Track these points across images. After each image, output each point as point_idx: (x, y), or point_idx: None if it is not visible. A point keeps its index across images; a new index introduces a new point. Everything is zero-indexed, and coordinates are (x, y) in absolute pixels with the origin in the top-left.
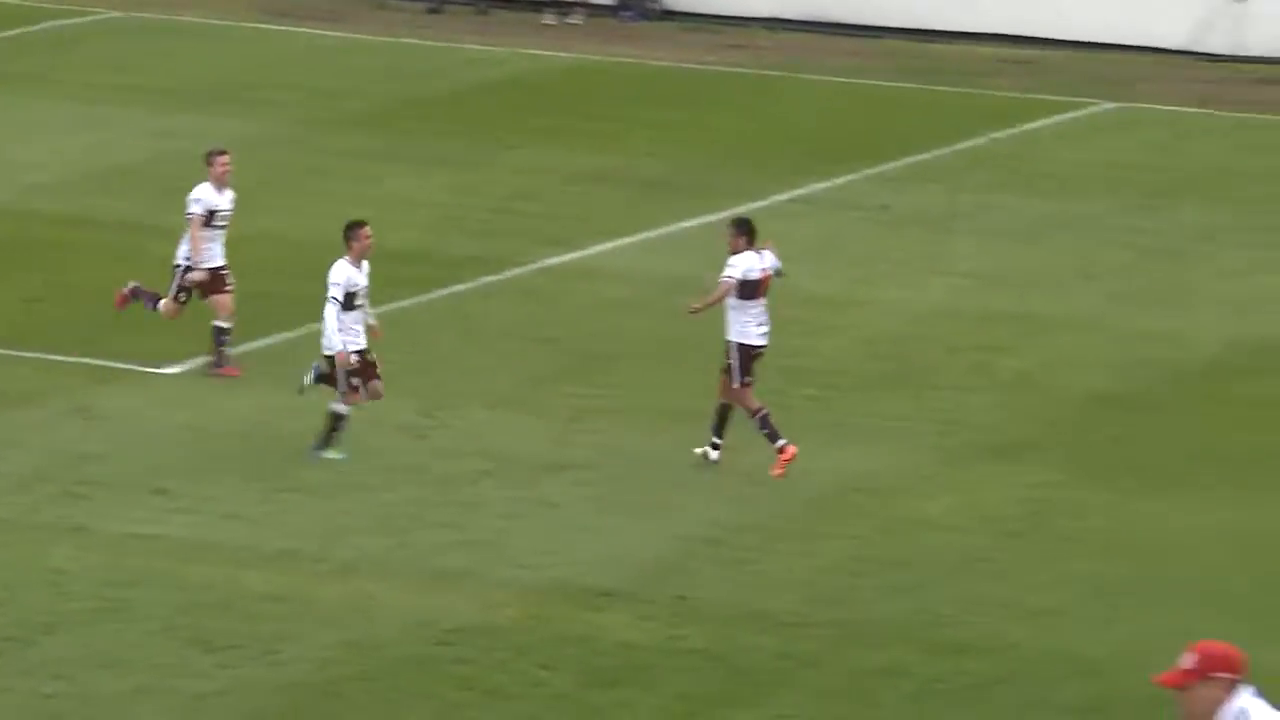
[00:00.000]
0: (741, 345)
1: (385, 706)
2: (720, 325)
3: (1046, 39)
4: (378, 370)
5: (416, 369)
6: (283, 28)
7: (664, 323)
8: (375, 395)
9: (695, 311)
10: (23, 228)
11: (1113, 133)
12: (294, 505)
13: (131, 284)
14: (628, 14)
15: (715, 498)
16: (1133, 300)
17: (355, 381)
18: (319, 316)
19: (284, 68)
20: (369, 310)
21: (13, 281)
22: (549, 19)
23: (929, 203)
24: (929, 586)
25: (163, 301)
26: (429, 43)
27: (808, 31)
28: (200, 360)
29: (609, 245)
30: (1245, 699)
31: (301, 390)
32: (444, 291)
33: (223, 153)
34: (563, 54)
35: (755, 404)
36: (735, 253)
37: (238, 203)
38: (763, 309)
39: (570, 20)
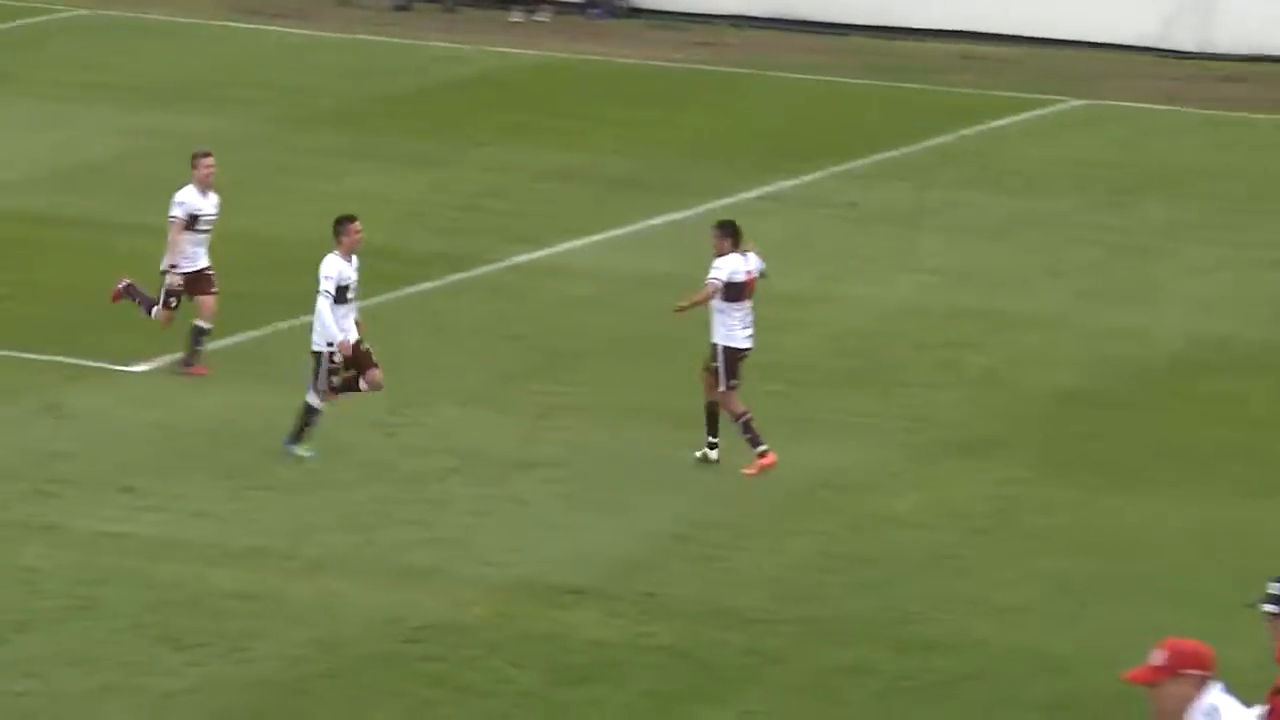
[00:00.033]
0: (727, 348)
1: (353, 704)
2: (690, 325)
3: (1012, 36)
4: (374, 359)
5: (385, 366)
6: (250, 25)
7: (630, 320)
8: (375, 384)
9: (681, 310)
10: None
11: (1079, 130)
12: (262, 503)
13: (126, 280)
14: (595, 11)
15: (683, 495)
16: (1099, 297)
17: (335, 380)
18: (287, 315)
19: (252, 66)
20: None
21: None
22: (516, 16)
23: (896, 200)
24: (897, 583)
25: (155, 309)
26: (396, 40)
27: (774, 29)
28: (169, 358)
29: (576, 243)
30: (1215, 695)
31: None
32: (412, 289)
33: (207, 155)
34: (530, 51)
35: (740, 408)
36: (720, 254)
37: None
38: (748, 311)
39: (537, 18)
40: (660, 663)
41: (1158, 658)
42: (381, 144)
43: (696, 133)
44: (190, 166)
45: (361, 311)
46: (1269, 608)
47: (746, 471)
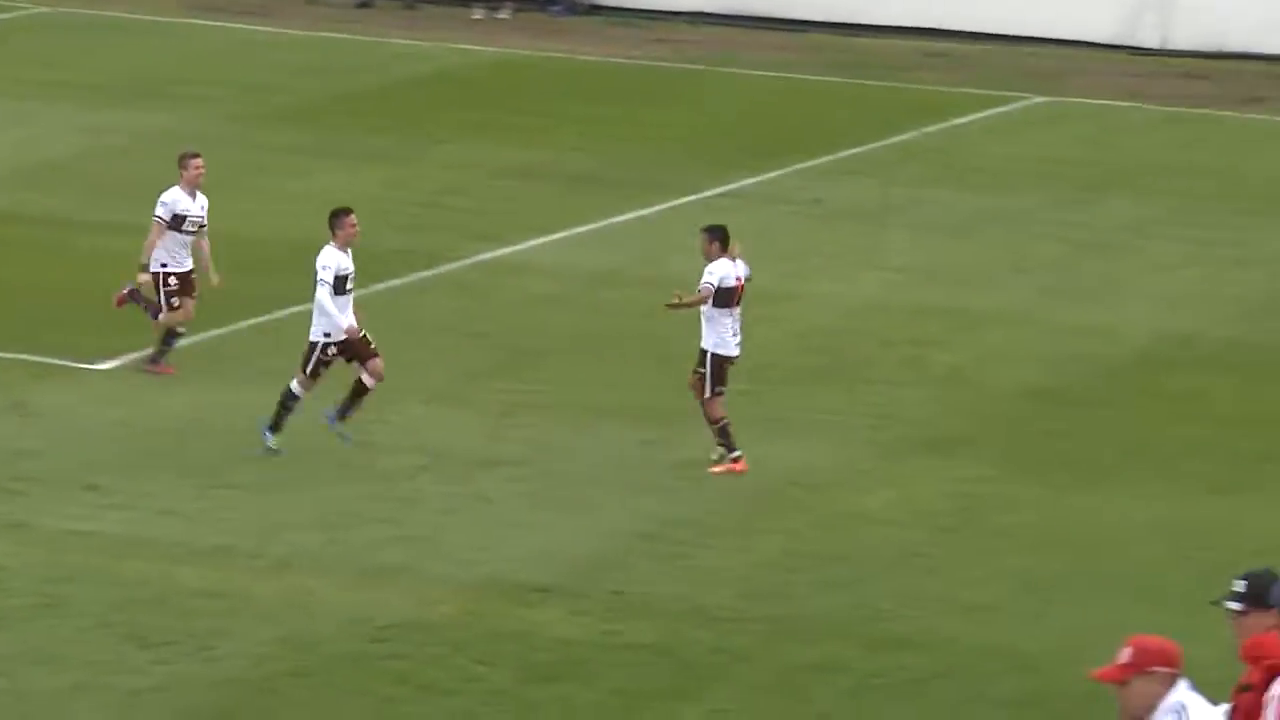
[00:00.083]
0: (716, 355)
1: (321, 703)
2: (654, 322)
3: (974, 33)
4: (373, 349)
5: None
6: (211, 23)
7: (593, 318)
8: (376, 374)
9: (671, 308)
10: None
11: (1043, 127)
12: (229, 501)
13: (128, 285)
14: (556, 8)
15: (650, 493)
16: (1064, 294)
17: (321, 370)
18: (253, 313)
19: (212, 63)
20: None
21: None
22: (477, 14)
23: (860, 197)
24: (865, 581)
25: (162, 314)
26: (358, 37)
27: (735, 26)
28: (135, 356)
29: (538, 241)
30: (1182, 692)
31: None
32: (378, 287)
33: (195, 155)
34: (491, 48)
35: (720, 413)
36: (709, 259)
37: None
38: (737, 317)
39: (498, 15)
40: (628, 661)
41: (1125, 655)
42: (343, 141)
43: (658, 130)
44: (179, 167)
45: None
46: (1233, 605)
47: (714, 470)
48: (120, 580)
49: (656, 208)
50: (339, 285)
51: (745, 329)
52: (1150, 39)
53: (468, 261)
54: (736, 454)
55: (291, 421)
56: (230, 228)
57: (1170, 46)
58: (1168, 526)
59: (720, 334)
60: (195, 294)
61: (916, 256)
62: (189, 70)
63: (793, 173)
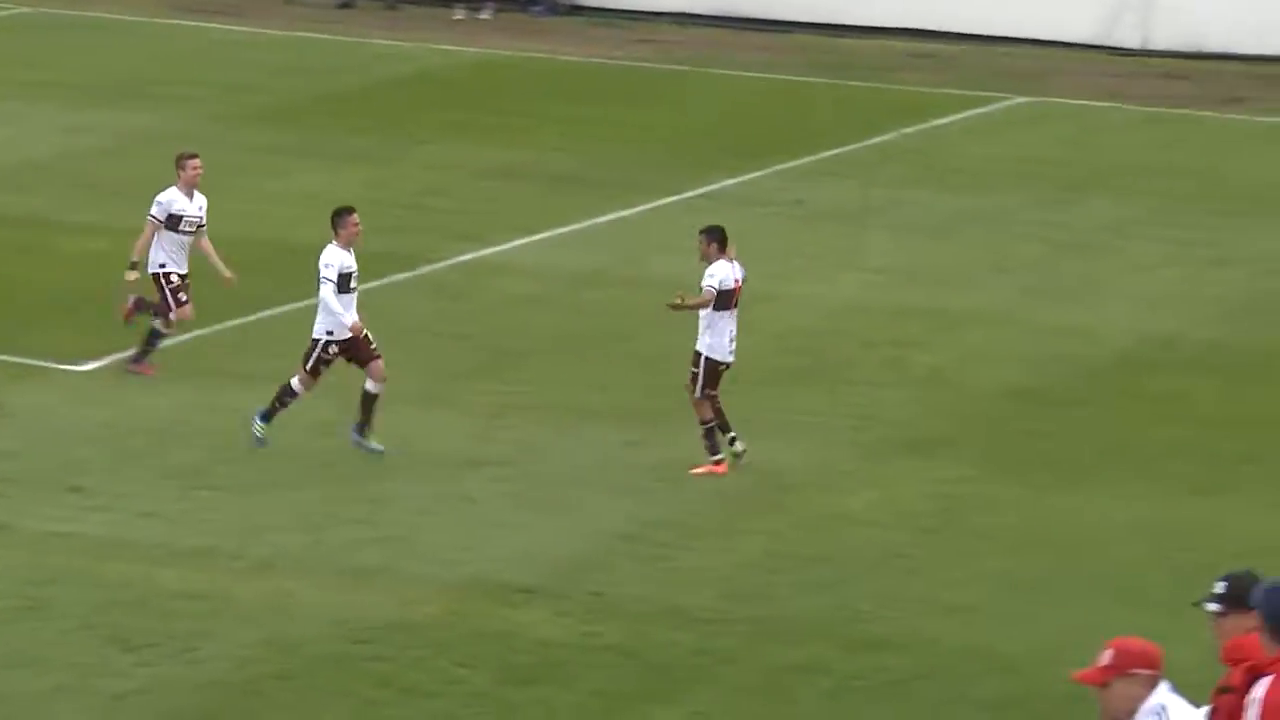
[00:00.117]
0: (709, 359)
1: (304, 704)
2: (636, 322)
3: (955, 34)
4: (374, 351)
5: (332, 366)
6: (192, 23)
7: (575, 319)
8: (378, 377)
9: (674, 308)
10: None
11: (1023, 127)
12: (210, 503)
13: (131, 298)
14: (537, 9)
15: (631, 494)
16: (1045, 295)
17: (321, 368)
18: (235, 314)
19: (194, 63)
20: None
21: None
22: (459, 14)
23: (841, 198)
24: (846, 583)
25: (172, 313)
26: (338, 38)
27: (716, 26)
28: (116, 358)
29: (520, 241)
30: (1163, 694)
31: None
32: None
33: (193, 156)
34: (472, 49)
35: (708, 415)
36: (707, 260)
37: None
38: (734, 320)
39: (480, 15)
40: (609, 662)
41: (1106, 657)
42: (324, 142)
43: (640, 130)
44: (176, 168)
45: (306, 312)
46: (1212, 606)
47: (694, 471)
48: (102, 582)
49: (638, 208)
50: (343, 283)
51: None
52: (1130, 39)
53: (449, 262)
54: (719, 457)
55: (277, 422)
56: (212, 228)
57: (1150, 47)
58: (1149, 527)
59: (717, 337)
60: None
61: (897, 257)
62: (169, 70)
63: (774, 173)
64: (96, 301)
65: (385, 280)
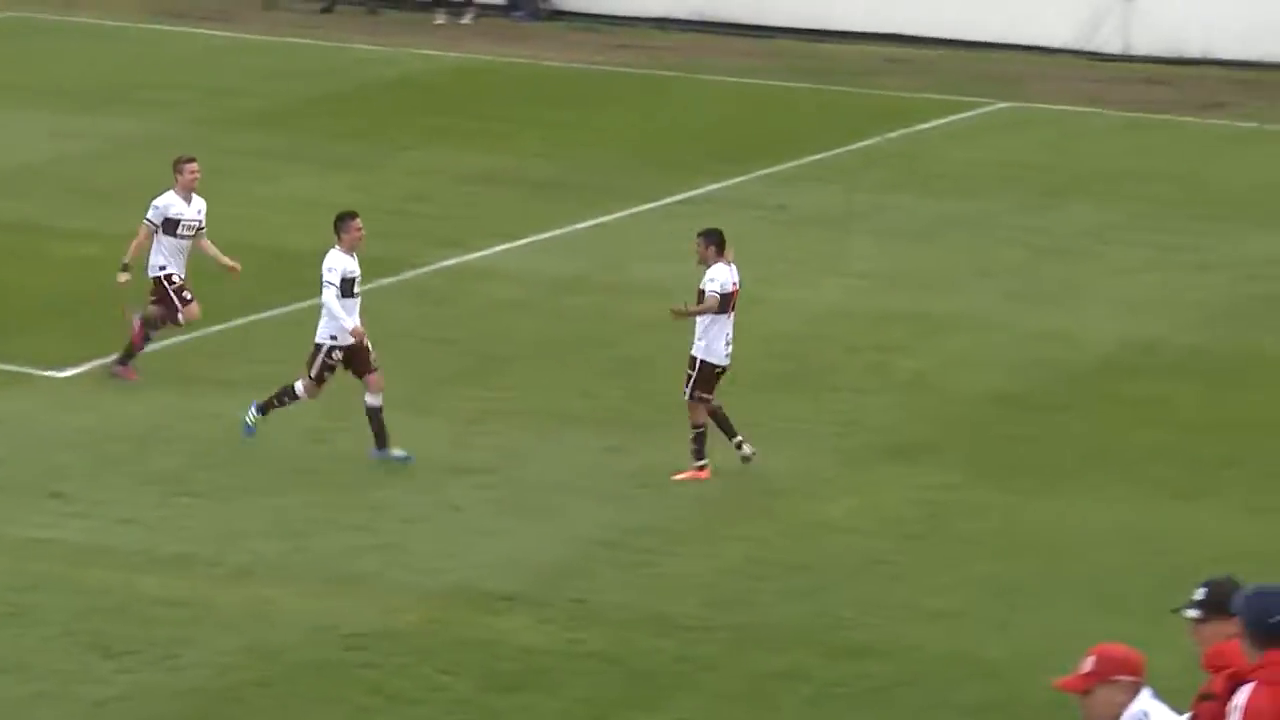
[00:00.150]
0: (705, 362)
1: (285, 712)
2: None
3: (937, 39)
4: (373, 362)
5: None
6: (175, 28)
7: (558, 324)
8: (376, 389)
9: (677, 315)
10: None
11: (1005, 132)
12: (191, 509)
13: (135, 317)
14: (518, 14)
15: (614, 500)
16: (1027, 299)
17: (326, 375)
18: (218, 319)
19: (178, 68)
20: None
21: None
22: (440, 19)
23: (825, 202)
24: (829, 589)
25: (179, 314)
26: (320, 43)
27: (697, 31)
28: (97, 363)
29: (502, 246)
30: (1145, 701)
31: (251, 431)
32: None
33: (191, 160)
34: (453, 54)
35: (700, 419)
36: (704, 263)
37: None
38: (730, 324)
39: (461, 20)
40: (592, 670)
41: (1088, 664)
42: (306, 147)
43: (621, 135)
44: (173, 171)
45: (290, 316)
46: (1191, 613)
47: (677, 476)
48: (83, 589)
49: (620, 214)
50: (346, 288)
51: None
52: (1111, 44)
53: (433, 267)
54: (703, 462)
55: (262, 428)
56: None
57: (1131, 52)
58: (1130, 532)
59: (713, 340)
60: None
61: (880, 262)
62: (153, 75)
63: (757, 178)
64: (80, 307)
65: (370, 285)
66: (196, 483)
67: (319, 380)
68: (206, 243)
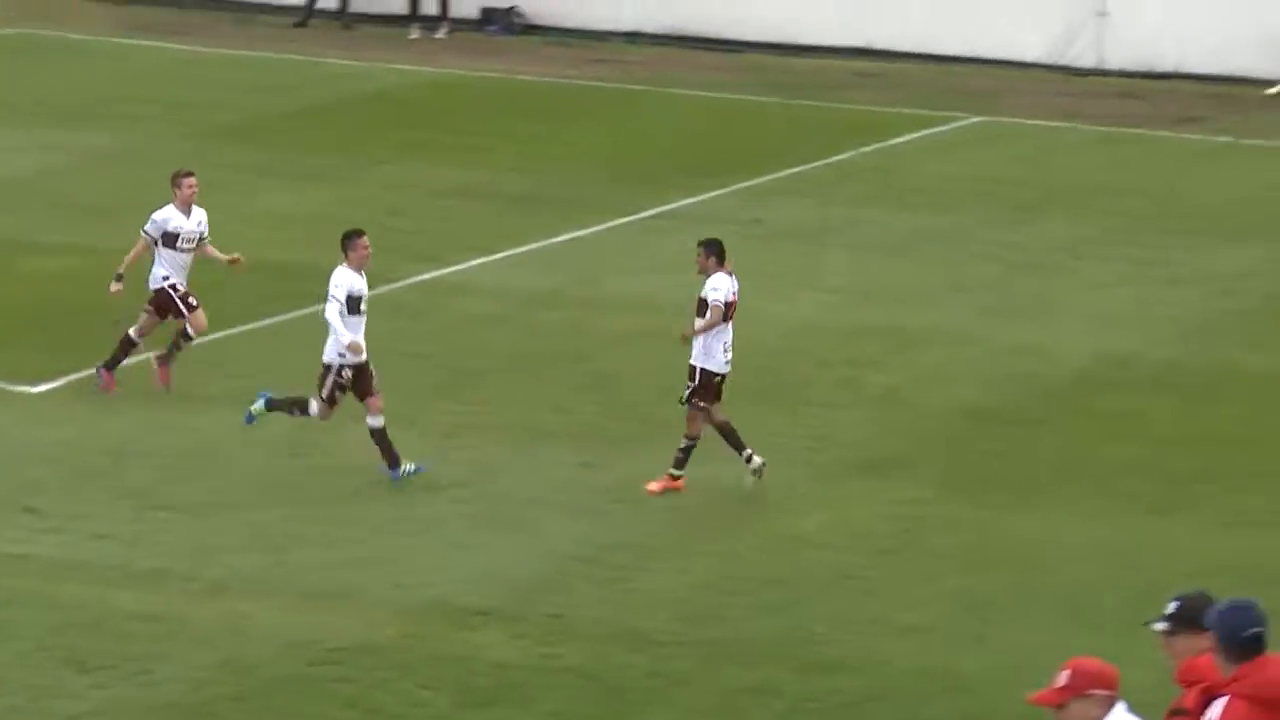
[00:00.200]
0: (705, 370)
1: None
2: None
3: (910, 53)
4: (375, 385)
5: (289, 386)
6: (149, 42)
7: (533, 339)
8: (376, 411)
9: (689, 336)
10: None
11: (978, 146)
12: (166, 524)
13: (155, 360)
14: (492, 28)
15: (588, 515)
16: (1001, 314)
17: (338, 395)
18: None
19: (151, 82)
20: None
21: None
22: (414, 34)
23: (799, 217)
24: (802, 604)
25: (190, 327)
26: (295, 57)
27: (671, 46)
28: (72, 378)
29: (477, 261)
30: (1120, 715)
31: (251, 419)
32: (318, 307)
33: (189, 174)
34: (428, 68)
35: (696, 430)
36: (704, 273)
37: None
38: (729, 332)
39: (435, 35)
40: (566, 684)
41: (1062, 678)
42: (281, 161)
43: (595, 149)
44: (172, 186)
45: (266, 330)
46: (1159, 625)
47: (651, 487)
48: (57, 604)
49: (594, 228)
50: (353, 305)
51: (681, 348)
52: (1085, 59)
53: (407, 282)
54: (680, 474)
55: (238, 441)
56: None
57: (1105, 66)
58: (1104, 547)
59: (711, 349)
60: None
61: (854, 276)
62: (128, 89)
63: (731, 193)
64: (54, 321)
65: None
66: (172, 497)
67: (331, 401)
68: (209, 249)
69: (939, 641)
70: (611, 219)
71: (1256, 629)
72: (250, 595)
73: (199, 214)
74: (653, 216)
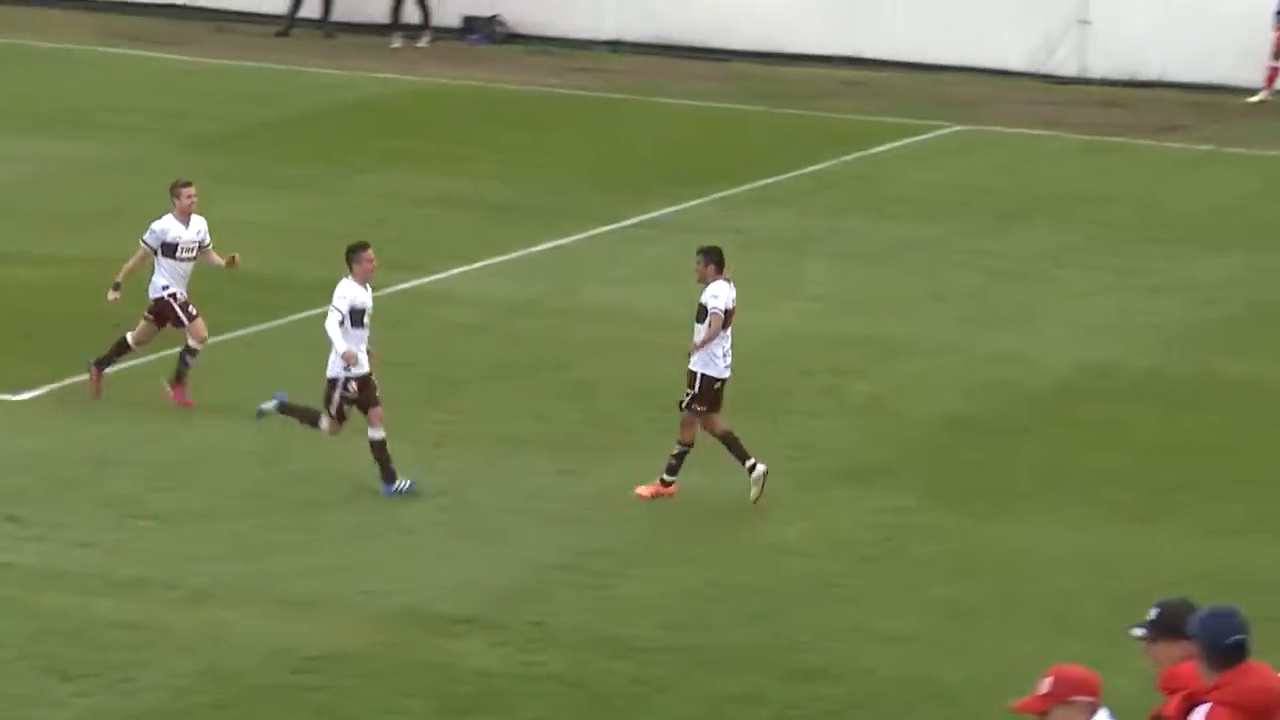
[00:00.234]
0: (705, 376)
1: None
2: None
3: (892, 62)
4: (377, 396)
5: (269, 395)
6: (128, 51)
7: (515, 348)
8: (377, 423)
9: (696, 349)
10: None
11: (960, 155)
12: (148, 532)
13: (168, 389)
14: (474, 37)
15: (569, 523)
16: (983, 323)
17: (345, 409)
18: (175, 342)
19: (132, 91)
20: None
21: None
22: (396, 43)
23: (780, 226)
24: (784, 612)
25: (191, 339)
26: (276, 66)
27: (653, 54)
28: (54, 386)
29: (458, 270)
30: None
31: (261, 415)
32: (297, 316)
33: (188, 184)
34: (410, 77)
35: (689, 437)
36: (704, 281)
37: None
38: (728, 338)
39: (417, 44)
40: (548, 692)
41: (1045, 685)
42: (263, 170)
43: (577, 158)
44: (170, 196)
45: (244, 339)
46: (1139, 632)
47: (641, 491)
48: (38, 612)
49: (575, 237)
50: (356, 318)
51: (667, 357)
52: (1067, 67)
53: (389, 290)
54: (672, 480)
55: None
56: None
57: (1087, 75)
58: (1087, 555)
59: (711, 355)
60: (175, 317)
61: (835, 285)
62: (109, 99)
63: (712, 202)
64: (36, 330)
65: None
66: (154, 506)
67: (340, 416)
68: (213, 256)
69: (921, 649)
70: (593, 228)
71: (1238, 636)
72: (231, 603)
73: (198, 223)
74: (634, 225)
